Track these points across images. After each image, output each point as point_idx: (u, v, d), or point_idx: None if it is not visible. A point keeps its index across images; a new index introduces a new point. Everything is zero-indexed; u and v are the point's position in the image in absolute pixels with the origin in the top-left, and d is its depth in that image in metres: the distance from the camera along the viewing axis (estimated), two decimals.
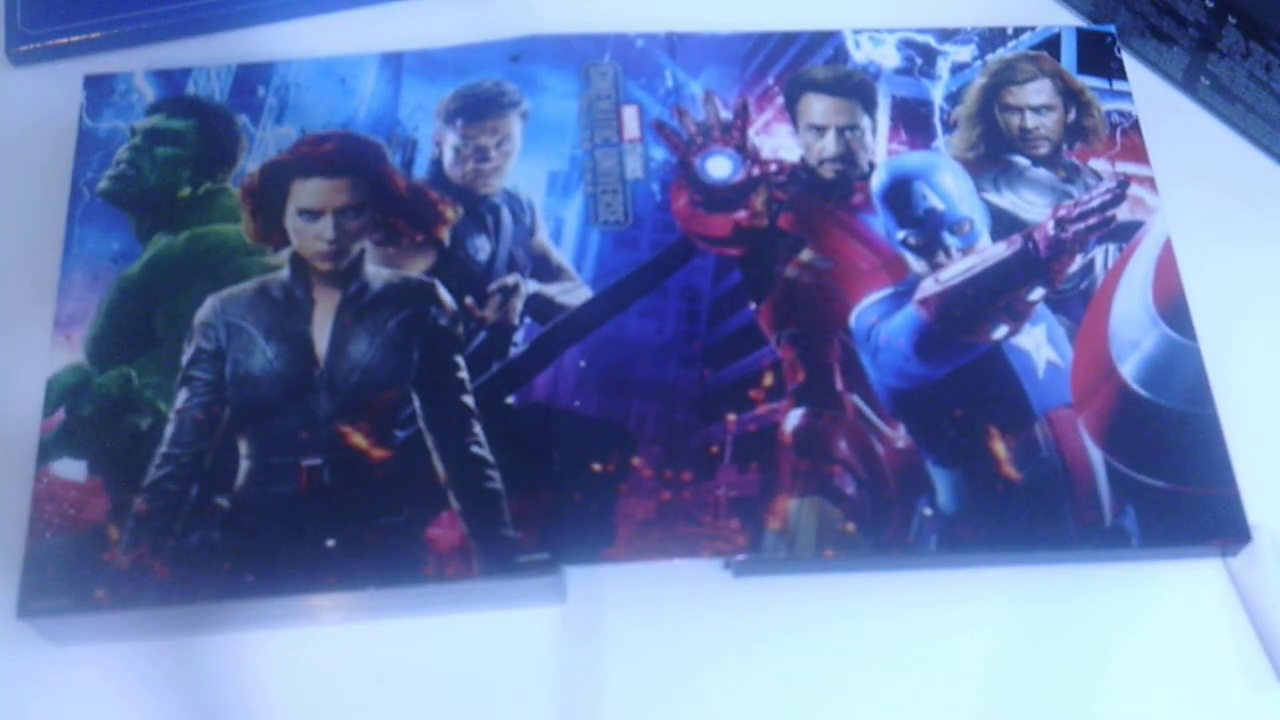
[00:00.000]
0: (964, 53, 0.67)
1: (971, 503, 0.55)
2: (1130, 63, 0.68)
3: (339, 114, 0.64)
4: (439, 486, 0.55)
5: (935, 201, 0.62)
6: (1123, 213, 0.62)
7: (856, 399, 0.57)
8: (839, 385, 0.58)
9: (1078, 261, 0.61)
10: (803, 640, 0.55)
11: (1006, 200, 0.63)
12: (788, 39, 0.67)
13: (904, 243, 0.61)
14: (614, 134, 0.64)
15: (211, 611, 0.53)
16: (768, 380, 0.58)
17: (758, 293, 0.60)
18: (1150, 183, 0.63)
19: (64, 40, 0.69)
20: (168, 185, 0.62)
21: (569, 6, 0.69)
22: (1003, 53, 0.67)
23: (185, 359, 0.58)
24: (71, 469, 0.55)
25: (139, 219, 0.61)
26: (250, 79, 0.65)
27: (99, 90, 0.65)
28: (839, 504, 0.55)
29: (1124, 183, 0.63)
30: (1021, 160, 0.64)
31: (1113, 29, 0.68)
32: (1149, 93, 0.68)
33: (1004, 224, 0.62)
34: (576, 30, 0.67)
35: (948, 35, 0.67)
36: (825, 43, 0.67)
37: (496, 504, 0.55)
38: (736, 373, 0.58)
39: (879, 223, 0.62)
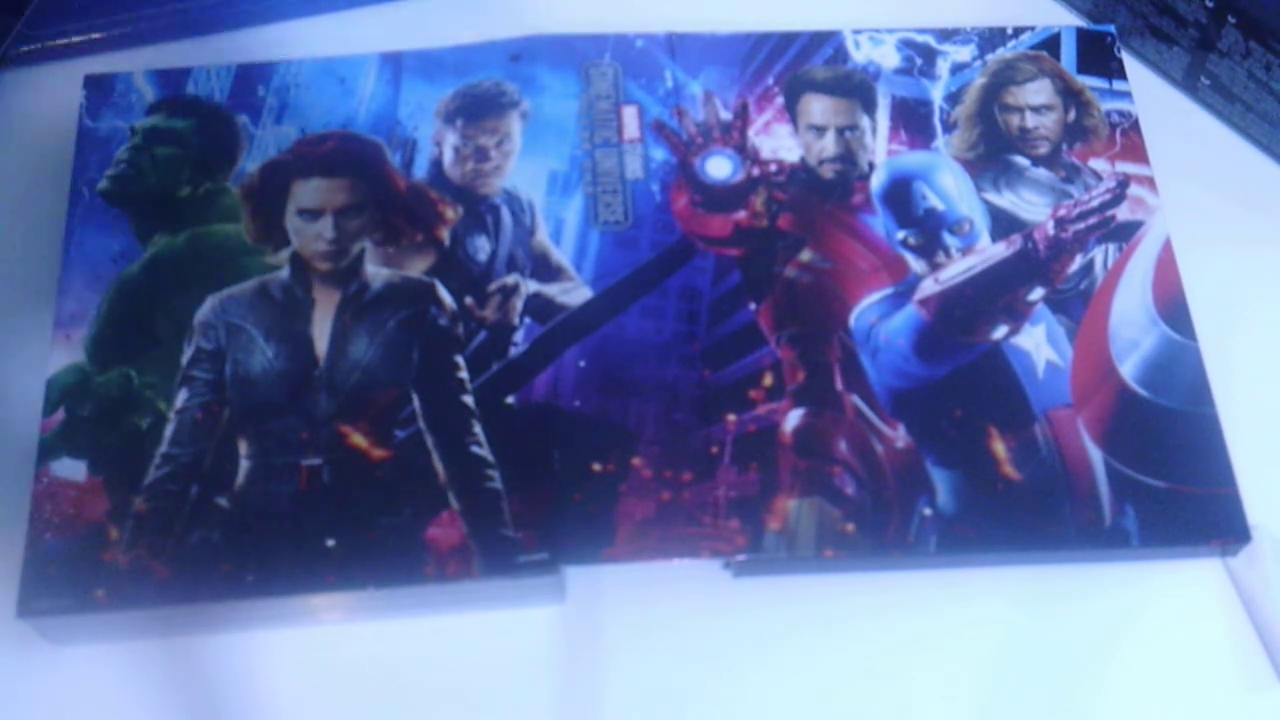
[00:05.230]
0: (964, 53, 0.67)
1: (971, 503, 0.55)
2: (1130, 63, 0.68)
3: (339, 114, 0.64)
4: (439, 486, 0.55)
5: (935, 201, 0.62)
6: (1123, 213, 0.62)
7: (856, 399, 0.57)
8: (839, 385, 0.58)
9: (1077, 261, 0.61)
10: (802, 640, 0.55)
11: (1006, 200, 0.63)
12: (787, 39, 0.67)
13: (904, 243, 0.61)
14: (614, 134, 0.64)
15: (211, 611, 0.53)
16: (768, 380, 0.58)
17: (758, 293, 0.60)
18: (1150, 183, 0.63)
19: (64, 40, 0.69)
20: (168, 185, 0.62)
21: (569, 6, 0.69)
22: (1002, 53, 0.67)
23: (185, 359, 0.58)
24: (71, 469, 0.55)
25: (139, 219, 0.61)
26: (250, 79, 0.65)
27: (99, 90, 0.65)
28: (839, 504, 0.55)
29: (1124, 183, 0.63)
30: (1021, 160, 0.64)
31: (1112, 29, 0.68)
32: (1149, 93, 0.68)
33: (1004, 224, 0.62)
34: (576, 30, 0.67)
35: (947, 35, 0.67)
36: (825, 43, 0.67)
37: (496, 504, 0.55)
38: (736, 373, 0.58)
39: (879, 223, 0.62)
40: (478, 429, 0.56)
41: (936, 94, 0.66)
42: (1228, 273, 0.62)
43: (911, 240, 0.61)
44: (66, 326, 0.59)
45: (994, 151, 0.64)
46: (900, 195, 0.63)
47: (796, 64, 0.66)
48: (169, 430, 0.56)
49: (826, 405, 0.57)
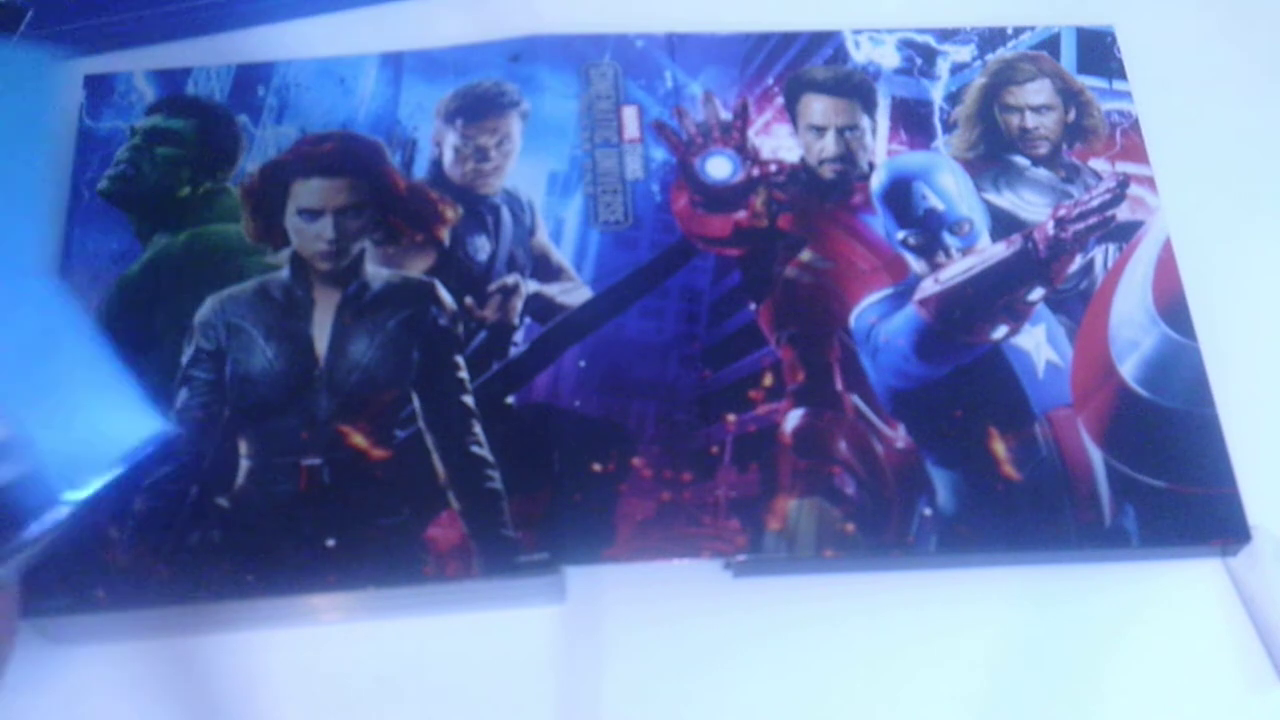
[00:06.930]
0: (964, 53, 0.67)
1: (971, 503, 0.55)
2: (1130, 62, 0.68)
3: (339, 114, 0.64)
4: (439, 486, 0.55)
5: (935, 202, 0.62)
6: (1123, 213, 0.62)
7: (856, 399, 0.57)
8: (839, 385, 0.58)
9: (1077, 261, 0.61)
10: (802, 640, 0.55)
11: (1006, 200, 0.63)
12: (787, 39, 0.67)
13: (904, 243, 0.61)
14: (614, 134, 0.64)
15: (211, 611, 0.53)
16: (768, 380, 0.58)
17: (758, 293, 0.60)
18: (1150, 183, 0.63)
19: (64, 40, 0.68)
20: (168, 185, 0.62)
21: (569, 6, 0.69)
22: (1002, 52, 0.67)
23: (185, 359, 0.58)
24: None
25: (139, 219, 0.61)
26: (250, 79, 0.65)
27: (99, 90, 0.65)
28: (839, 504, 0.55)
29: (1124, 183, 0.63)
30: (1021, 160, 0.64)
31: (1112, 29, 0.68)
32: (1149, 93, 0.67)
33: (1004, 224, 0.62)
34: (576, 30, 0.67)
35: (947, 35, 0.67)
36: (825, 43, 0.67)
37: (496, 504, 0.55)
38: (736, 373, 0.58)
39: (879, 223, 0.62)
40: (478, 429, 0.56)
41: (936, 94, 0.66)
42: (1228, 273, 0.62)
43: (911, 240, 0.61)
44: None
45: (994, 151, 0.64)
46: (900, 195, 0.63)
47: (796, 64, 0.66)
48: None
49: (826, 405, 0.57)
